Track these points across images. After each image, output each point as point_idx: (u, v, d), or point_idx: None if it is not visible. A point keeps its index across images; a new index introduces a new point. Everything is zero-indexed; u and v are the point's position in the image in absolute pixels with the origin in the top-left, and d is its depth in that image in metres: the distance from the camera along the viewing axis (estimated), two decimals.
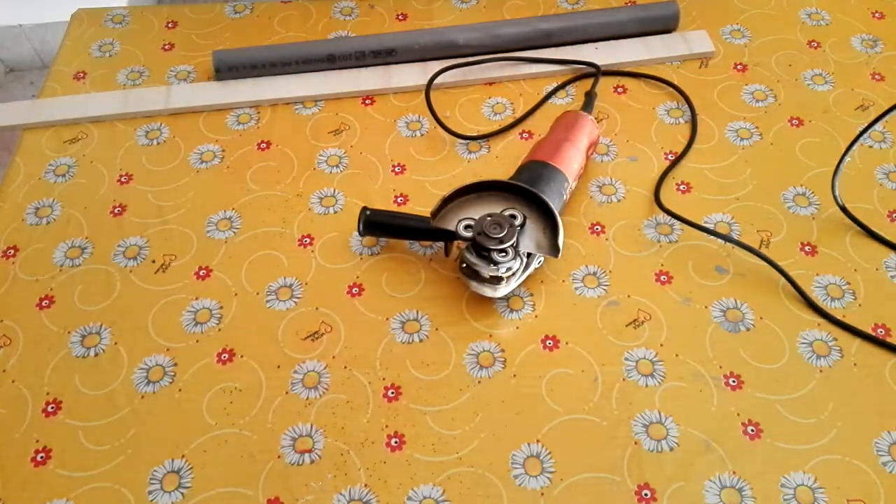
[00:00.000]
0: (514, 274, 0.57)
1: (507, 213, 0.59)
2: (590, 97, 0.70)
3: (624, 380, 0.56)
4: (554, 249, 0.58)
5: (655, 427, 0.54)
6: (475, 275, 0.57)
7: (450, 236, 0.60)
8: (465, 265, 0.58)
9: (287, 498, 0.51)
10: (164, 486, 0.52)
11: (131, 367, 0.58)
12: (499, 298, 0.60)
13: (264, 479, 0.52)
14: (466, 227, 0.58)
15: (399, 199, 0.67)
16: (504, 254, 0.56)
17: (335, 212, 0.67)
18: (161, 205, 0.68)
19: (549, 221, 0.59)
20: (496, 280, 0.57)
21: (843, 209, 0.63)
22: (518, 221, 0.58)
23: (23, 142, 0.73)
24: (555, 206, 0.59)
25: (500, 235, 0.56)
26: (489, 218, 0.57)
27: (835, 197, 0.63)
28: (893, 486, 0.51)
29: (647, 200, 0.66)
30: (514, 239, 0.56)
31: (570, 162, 0.63)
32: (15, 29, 1.75)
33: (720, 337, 0.58)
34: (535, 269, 0.60)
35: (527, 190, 0.60)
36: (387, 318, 0.60)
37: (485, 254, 0.56)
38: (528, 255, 0.59)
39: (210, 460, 0.53)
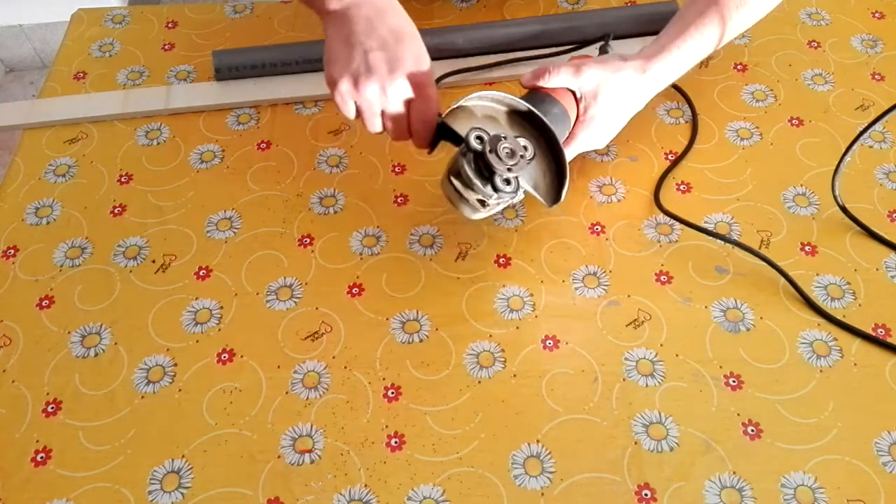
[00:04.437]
0: (497, 202, 0.54)
1: (521, 141, 0.55)
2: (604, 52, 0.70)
3: (624, 380, 0.56)
4: (549, 195, 0.56)
5: (655, 427, 0.54)
6: (460, 191, 0.54)
7: (452, 138, 0.56)
8: (454, 178, 0.54)
9: (287, 498, 0.51)
10: (164, 486, 0.52)
11: (131, 367, 0.58)
12: (498, 298, 0.60)
13: (264, 479, 0.52)
14: (478, 138, 0.53)
15: (399, 199, 0.67)
16: (508, 183, 0.53)
17: (335, 212, 0.67)
18: (161, 205, 0.68)
19: (550, 165, 0.57)
20: (481, 203, 0.54)
21: (843, 209, 0.63)
22: (528, 155, 0.55)
23: (23, 142, 0.73)
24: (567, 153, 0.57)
25: (512, 164, 0.53)
26: (506, 141, 0.53)
27: (835, 197, 0.63)
28: (893, 486, 0.51)
29: (647, 200, 0.66)
30: (523, 172, 0.53)
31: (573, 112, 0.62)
32: (15, 29, 1.75)
33: (720, 337, 0.58)
34: (509, 203, 0.57)
35: (544, 125, 0.56)
36: (387, 318, 0.60)
37: (485, 173, 0.53)
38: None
39: (210, 460, 0.53)
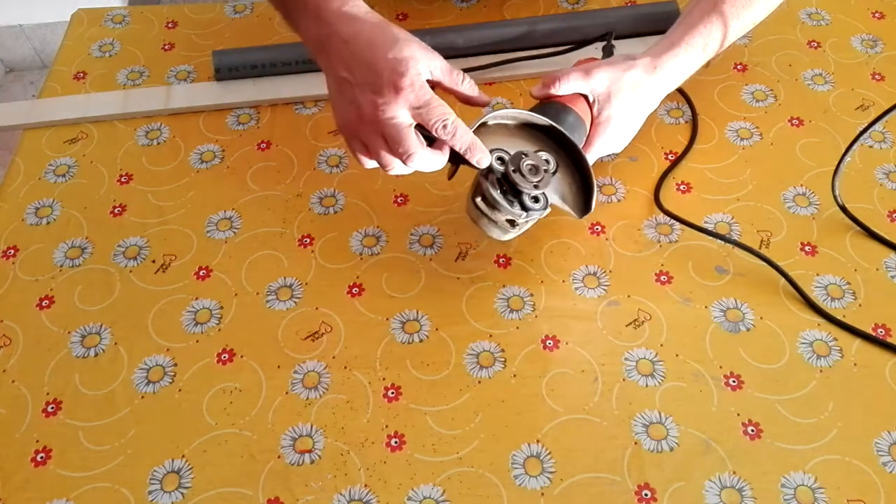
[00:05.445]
0: (527, 220, 0.54)
1: (542, 155, 0.54)
2: (608, 51, 0.70)
3: (624, 380, 0.56)
4: (578, 206, 0.55)
5: (655, 427, 0.54)
6: (487, 214, 0.53)
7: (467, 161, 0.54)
8: (480, 200, 0.52)
9: (287, 498, 0.51)
10: (164, 486, 0.52)
11: (131, 367, 0.58)
12: (498, 298, 0.60)
13: (264, 479, 0.52)
14: (499, 159, 0.52)
15: (399, 199, 0.67)
16: (536, 200, 0.52)
17: (335, 212, 0.67)
18: (161, 205, 0.68)
19: (574, 175, 0.57)
20: (511, 223, 0.53)
21: (843, 209, 0.63)
22: (552, 168, 0.54)
23: (23, 142, 0.73)
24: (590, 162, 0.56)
25: (537, 180, 0.52)
26: (527, 158, 0.52)
27: (835, 197, 0.63)
28: (893, 486, 0.51)
29: (647, 200, 0.66)
30: (548, 186, 0.53)
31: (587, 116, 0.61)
32: (15, 29, 1.75)
33: (720, 337, 0.58)
34: (537, 220, 0.56)
35: (564, 137, 0.56)
36: (387, 318, 0.60)
37: (511, 193, 0.52)
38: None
39: (210, 460, 0.53)
